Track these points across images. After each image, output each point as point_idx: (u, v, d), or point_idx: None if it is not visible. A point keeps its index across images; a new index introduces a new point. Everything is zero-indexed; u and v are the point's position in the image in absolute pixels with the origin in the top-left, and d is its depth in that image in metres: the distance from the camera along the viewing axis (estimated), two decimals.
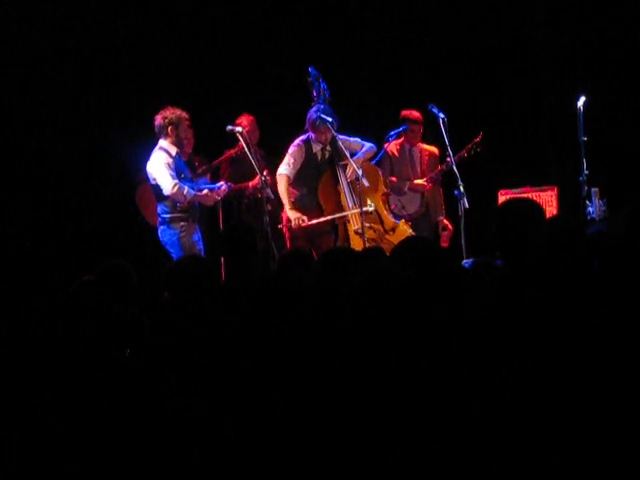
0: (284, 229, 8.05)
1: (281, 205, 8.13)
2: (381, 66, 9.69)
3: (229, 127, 7.97)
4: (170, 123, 7.64)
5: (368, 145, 8.22)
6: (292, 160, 8.06)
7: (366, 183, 7.80)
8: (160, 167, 7.55)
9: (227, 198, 8.27)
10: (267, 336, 3.42)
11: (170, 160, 7.58)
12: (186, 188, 7.55)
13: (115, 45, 9.16)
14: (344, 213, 8.04)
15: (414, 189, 8.59)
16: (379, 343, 3.25)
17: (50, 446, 3.48)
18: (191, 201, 7.62)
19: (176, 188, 7.50)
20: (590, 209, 8.12)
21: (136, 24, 9.17)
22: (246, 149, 7.81)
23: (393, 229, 8.12)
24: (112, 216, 9.07)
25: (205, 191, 7.77)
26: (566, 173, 8.88)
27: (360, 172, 7.74)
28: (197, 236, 7.69)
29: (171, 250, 7.60)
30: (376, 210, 8.03)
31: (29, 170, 8.91)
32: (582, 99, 8.22)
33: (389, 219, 8.16)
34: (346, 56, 9.55)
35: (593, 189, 8.17)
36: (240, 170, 8.50)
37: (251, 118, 8.59)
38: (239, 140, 7.94)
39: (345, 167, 8.06)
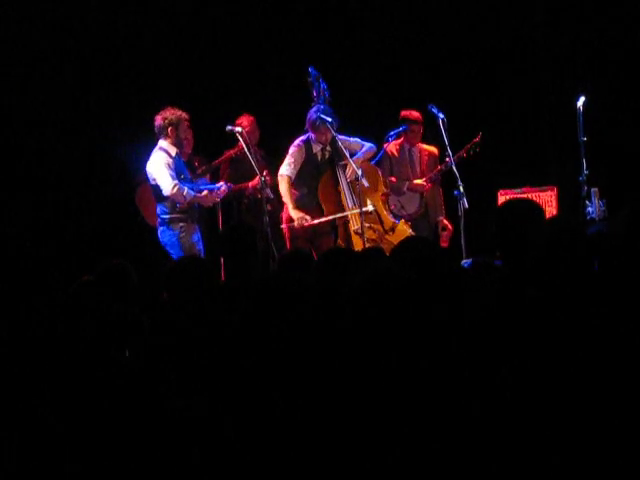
0: (284, 229, 8.05)
1: (281, 205, 8.13)
2: (381, 66, 9.69)
3: (229, 127, 7.96)
4: (170, 124, 7.63)
5: (368, 145, 8.22)
6: (292, 160, 8.06)
7: (366, 183, 7.80)
8: (160, 167, 7.55)
9: (227, 198, 8.27)
10: (267, 336, 3.42)
11: (170, 160, 7.58)
12: (186, 189, 7.54)
13: (115, 45, 9.16)
14: (344, 213, 8.04)
15: (413, 189, 8.59)
16: (379, 343, 3.25)
17: (50, 446, 3.48)
18: (191, 202, 7.62)
19: (176, 189, 7.50)
20: (590, 209, 8.12)
21: (136, 24, 9.17)
22: (246, 149, 7.81)
23: (393, 229, 8.12)
24: (112, 216, 9.07)
25: (204, 192, 7.76)
26: (566, 173, 8.88)
27: (360, 172, 7.74)
28: (197, 236, 7.69)
29: (171, 251, 7.59)
30: (376, 210, 8.03)
31: (29, 170, 8.91)
32: (582, 99, 8.22)
33: (389, 219, 8.16)
34: (346, 56, 9.56)
35: (593, 189, 8.17)
36: (240, 170, 8.50)
37: (251, 118, 8.59)
38: (239, 140, 7.94)
39: (345, 167, 8.06)
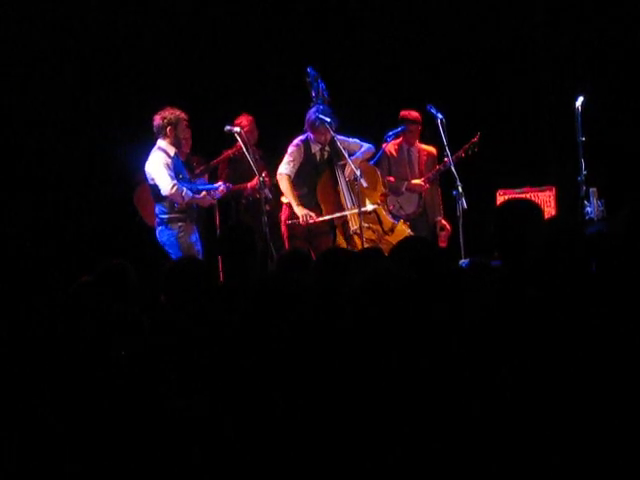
0: (283, 228, 8.05)
1: (280, 205, 8.13)
2: (380, 66, 9.69)
3: (227, 127, 7.96)
4: (169, 123, 7.63)
5: (367, 146, 8.22)
6: (291, 159, 8.07)
7: (364, 183, 7.80)
8: (158, 167, 7.55)
9: (225, 198, 8.27)
10: (267, 336, 3.43)
11: (169, 160, 7.58)
12: (184, 189, 7.54)
13: (115, 45, 9.16)
14: (343, 213, 8.04)
15: (412, 189, 8.59)
16: (379, 343, 3.25)
17: (50, 446, 3.49)
18: (189, 202, 7.62)
19: (174, 189, 7.49)
20: (588, 209, 8.13)
21: (136, 24, 9.17)
22: (244, 149, 7.82)
23: (392, 229, 8.12)
24: (112, 216, 9.07)
25: (203, 193, 7.76)
26: (565, 173, 8.88)
27: (358, 172, 7.75)
28: (195, 236, 7.69)
29: (170, 250, 7.59)
30: (375, 210, 8.03)
31: (29, 170, 8.91)
32: (580, 99, 8.23)
33: (388, 219, 8.17)
34: (346, 56, 9.56)
35: (591, 189, 8.18)
36: (238, 170, 8.50)
37: (250, 118, 8.59)
38: (237, 140, 7.94)
39: (344, 167, 8.06)
